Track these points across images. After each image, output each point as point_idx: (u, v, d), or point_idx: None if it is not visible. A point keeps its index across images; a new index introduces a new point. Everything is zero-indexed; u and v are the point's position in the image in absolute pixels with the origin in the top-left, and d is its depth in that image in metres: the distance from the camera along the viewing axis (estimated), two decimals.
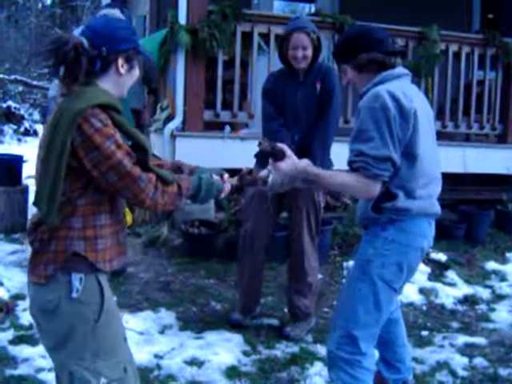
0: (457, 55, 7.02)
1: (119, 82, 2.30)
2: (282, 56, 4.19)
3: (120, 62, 2.26)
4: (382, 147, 2.66)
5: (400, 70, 2.91)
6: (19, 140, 12.30)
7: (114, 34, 2.26)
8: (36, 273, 2.22)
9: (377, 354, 3.30)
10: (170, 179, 2.27)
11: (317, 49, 4.11)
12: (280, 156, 2.88)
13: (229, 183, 2.55)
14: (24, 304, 4.51)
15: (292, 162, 2.86)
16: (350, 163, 2.77)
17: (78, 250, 2.20)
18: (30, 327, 4.15)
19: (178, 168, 2.61)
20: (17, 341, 3.98)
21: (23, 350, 3.86)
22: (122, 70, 2.28)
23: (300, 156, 3.01)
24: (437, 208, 2.95)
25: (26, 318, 4.26)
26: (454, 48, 6.99)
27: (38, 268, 2.22)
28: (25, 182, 6.91)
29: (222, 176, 2.53)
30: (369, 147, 2.67)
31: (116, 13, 4.71)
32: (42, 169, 2.16)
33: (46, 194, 2.13)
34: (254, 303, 4.47)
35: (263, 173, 2.95)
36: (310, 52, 4.07)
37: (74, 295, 2.20)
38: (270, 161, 2.90)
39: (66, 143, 2.08)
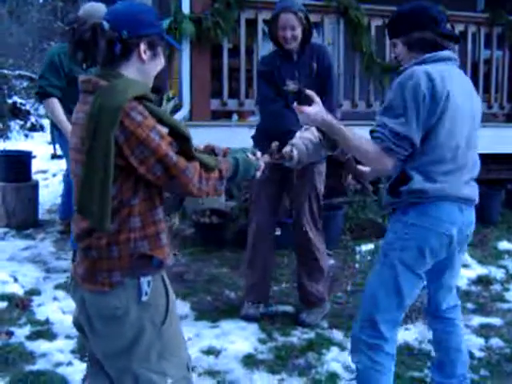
0: (463, 35, 6.97)
1: (143, 69, 2.19)
2: (272, 38, 4.20)
3: (142, 47, 2.16)
4: (405, 125, 2.65)
5: (446, 53, 2.86)
6: (26, 136, 12.29)
7: (136, 18, 2.16)
8: (95, 280, 2.13)
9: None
10: (212, 165, 2.19)
11: (306, 28, 4.11)
12: (307, 101, 2.80)
13: (262, 161, 2.49)
14: (39, 299, 4.53)
15: (320, 109, 2.78)
16: (371, 132, 2.77)
17: (144, 250, 2.13)
18: (47, 322, 4.17)
19: (211, 151, 2.47)
20: (34, 336, 3.99)
21: (41, 346, 3.87)
22: (145, 57, 2.17)
23: None
24: (467, 192, 2.84)
25: (41, 314, 4.28)
26: (460, 28, 6.93)
27: (99, 275, 2.12)
28: (34, 177, 6.93)
29: (254, 154, 2.47)
30: (392, 122, 2.67)
31: (100, 6, 4.71)
32: (85, 173, 2.04)
33: (95, 200, 2.02)
34: (264, 294, 4.46)
35: (287, 149, 2.95)
36: (299, 32, 4.07)
37: (144, 299, 2.14)
38: (295, 104, 2.82)
39: (110, 143, 1.98)
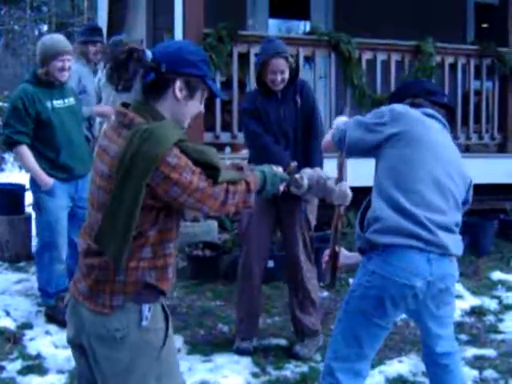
0: (453, 66, 7.06)
1: (177, 108, 2.19)
2: (259, 79, 4.28)
3: (178, 84, 2.16)
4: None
5: (433, 112, 2.93)
6: (20, 167, 12.31)
7: (179, 55, 2.17)
8: (97, 301, 2.16)
9: None
10: (236, 178, 2.23)
11: (293, 70, 4.21)
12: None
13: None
14: (31, 333, 4.51)
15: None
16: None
17: (150, 280, 2.16)
18: (38, 356, 4.15)
19: (239, 169, 2.44)
20: (25, 371, 3.97)
21: (32, 381, 3.85)
22: (180, 95, 2.17)
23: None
24: (437, 238, 2.68)
25: (33, 348, 4.26)
26: (449, 60, 7.03)
27: (101, 297, 2.15)
28: (27, 210, 6.92)
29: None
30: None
31: (60, 37, 4.73)
32: (110, 209, 2.08)
33: (116, 239, 2.07)
34: (254, 328, 4.44)
35: (297, 175, 3.02)
36: (287, 74, 4.17)
37: (144, 323, 2.16)
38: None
39: (142, 187, 2.03)
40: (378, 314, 2.72)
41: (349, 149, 2.93)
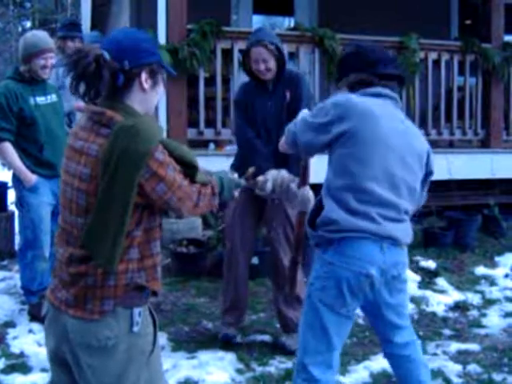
0: (436, 63, 7.09)
1: (145, 99, 2.19)
2: (247, 70, 4.26)
3: (144, 76, 2.15)
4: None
5: (380, 89, 2.86)
6: (3, 165, 12.23)
7: (137, 47, 2.14)
8: (84, 308, 2.11)
9: None
10: (206, 181, 2.27)
11: (280, 59, 4.16)
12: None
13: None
14: (14, 332, 4.47)
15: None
16: None
17: (140, 281, 2.14)
18: (22, 355, 4.12)
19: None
20: (8, 370, 3.93)
21: (15, 379, 3.82)
22: (146, 86, 2.17)
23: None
24: (388, 230, 2.73)
25: (16, 346, 4.23)
26: (433, 56, 7.05)
27: (89, 303, 2.10)
28: (10, 208, 6.87)
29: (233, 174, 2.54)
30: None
31: (42, 34, 4.70)
32: (99, 211, 2.04)
33: (108, 240, 2.03)
34: (240, 316, 4.47)
35: (261, 178, 3.03)
36: (272, 64, 4.12)
37: (135, 329, 2.14)
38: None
39: (133, 185, 2.02)
40: (338, 303, 2.75)
41: (304, 151, 2.99)
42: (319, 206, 2.83)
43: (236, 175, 2.54)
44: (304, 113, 2.98)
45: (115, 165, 2.00)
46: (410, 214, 2.87)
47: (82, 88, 2.11)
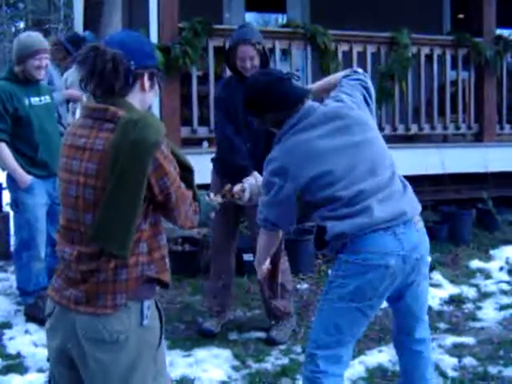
0: (429, 57, 7.09)
1: (143, 99, 2.27)
2: (230, 66, 4.31)
3: (146, 77, 2.24)
4: None
5: (299, 116, 2.91)
6: None
7: (141, 49, 2.23)
8: (96, 304, 2.14)
9: None
10: (196, 197, 2.35)
11: (263, 57, 4.22)
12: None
13: (215, 201, 2.62)
14: (10, 333, 4.48)
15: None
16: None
17: (151, 274, 2.19)
18: (18, 356, 4.13)
19: None
20: (5, 370, 3.95)
21: (12, 380, 3.82)
22: (146, 87, 2.25)
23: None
24: (389, 210, 2.77)
25: (13, 347, 4.24)
26: (425, 50, 7.05)
27: (102, 298, 2.14)
28: (5, 209, 6.87)
29: (208, 196, 2.58)
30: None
31: (37, 35, 4.72)
32: (111, 202, 2.07)
33: (122, 227, 2.08)
34: (226, 307, 4.56)
35: (238, 187, 3.08)
36: (257, 61, 4.18)
37: (145, 322, 2.18)
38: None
39: (145, 176, 2.07)
40: (357, 298, 2.79)
41: (285, 225, 3.05)
42: (320, 229, 2.88)
43: (212, 195, 2.61)
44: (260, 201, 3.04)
45: (126, 155, 2.05)
46: (395, 178, 2.90)
47: (92, 85, 2.17)
